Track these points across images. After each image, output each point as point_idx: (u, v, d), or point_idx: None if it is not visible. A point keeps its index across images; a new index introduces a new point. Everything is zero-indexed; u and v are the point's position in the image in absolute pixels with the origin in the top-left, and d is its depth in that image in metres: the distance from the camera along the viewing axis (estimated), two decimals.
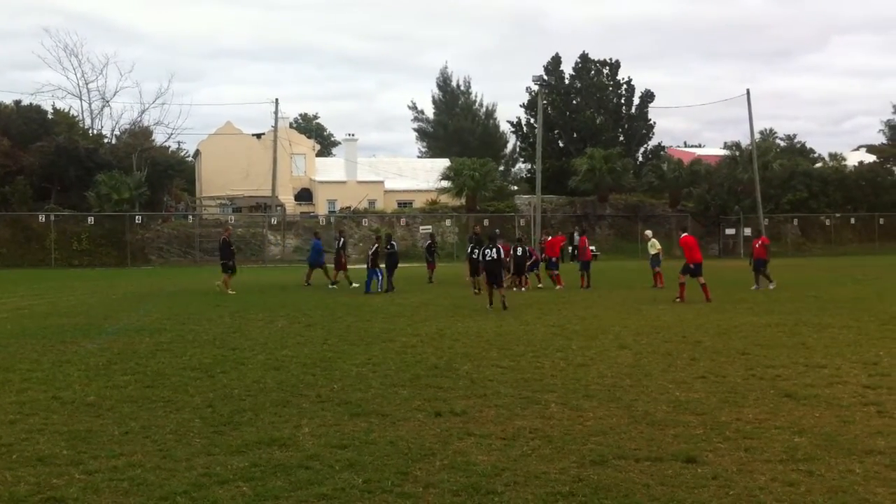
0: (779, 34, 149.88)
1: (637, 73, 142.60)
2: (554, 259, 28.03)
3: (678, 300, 21.75)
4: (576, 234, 52.30)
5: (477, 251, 24.80)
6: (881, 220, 60.39)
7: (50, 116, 63.33)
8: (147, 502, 6.46)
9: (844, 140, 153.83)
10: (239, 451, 7.80)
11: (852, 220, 60.58)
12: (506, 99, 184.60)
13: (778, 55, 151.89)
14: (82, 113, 68.26)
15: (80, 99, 67.88)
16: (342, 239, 29.99)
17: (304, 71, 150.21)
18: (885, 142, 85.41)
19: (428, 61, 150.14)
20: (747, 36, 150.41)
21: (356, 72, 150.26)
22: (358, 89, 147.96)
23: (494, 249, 21.22)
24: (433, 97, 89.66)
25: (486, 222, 55.54)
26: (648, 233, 28.24)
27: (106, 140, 63.53)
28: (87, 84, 67.73)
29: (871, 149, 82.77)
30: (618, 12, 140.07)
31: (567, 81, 68.86)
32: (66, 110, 67.36)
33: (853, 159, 70.88)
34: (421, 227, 55.14)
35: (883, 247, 58.49)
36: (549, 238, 30.06)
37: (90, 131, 65.63)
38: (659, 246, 27.28)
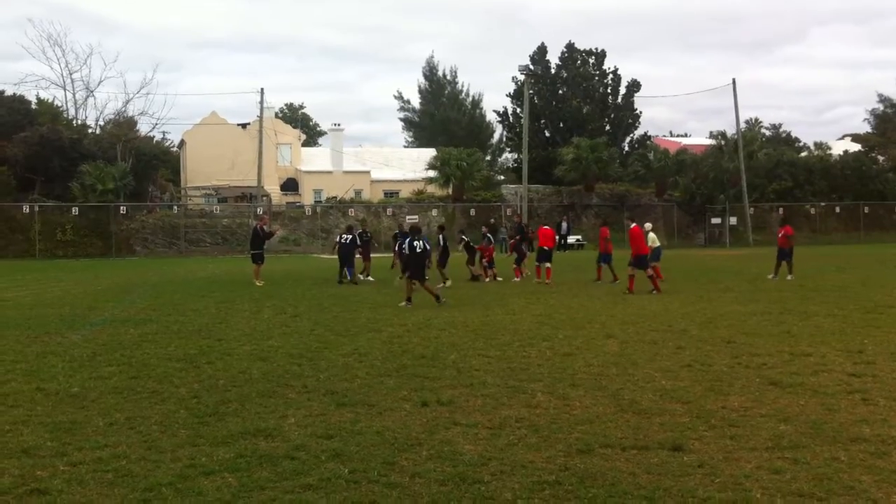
0: (759, 25, 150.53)
1: (618, 64, 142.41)
2: (547, 248, 27.46)
3: (655, 292, 21.63)
4: (563, 224, 52.43)
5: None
6: (866, 209, 60.62)
7: (33, 107, 62.86)
8: (132, 493, 6.42)
9: (829, 129, 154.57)
10: (224, 441, 7.78)
11: (837, 209, 60.82)
12: (491, 89, 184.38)
13: (759, 46, 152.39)
14: (66, 103, 67.91)
15: (64, 89, 67.53)
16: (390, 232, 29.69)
17: (285, 62, 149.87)
18: (869, 131, 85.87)
19: (410, 53, 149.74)
20: (728, 27, 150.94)
21: (338, 63, 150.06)
22: (340, 80, 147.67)
23: (421, 241, 20.19)
24: (419, 87, 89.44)
25: (472, 212, 55.61)
26: (648, 225, 26.23)
27: (90, 130, 63.06)
28: (70, 74, 67.39)
29: (856, 138, 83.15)
30: (597, 5, 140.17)
31: (553, 71, 68.80)
32: (49, 100, 66.97)
33: (838, 148, 71.15)
34: (408, 218, 55.06)
35: (867, 235, 58.82)
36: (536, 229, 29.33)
37: (74, 121, 65.19)
38: (658, 241, 25.89)
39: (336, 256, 27.33)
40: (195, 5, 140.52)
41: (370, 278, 27.36)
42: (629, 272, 22.37)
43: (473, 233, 37.67)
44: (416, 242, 20.05)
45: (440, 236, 26.25)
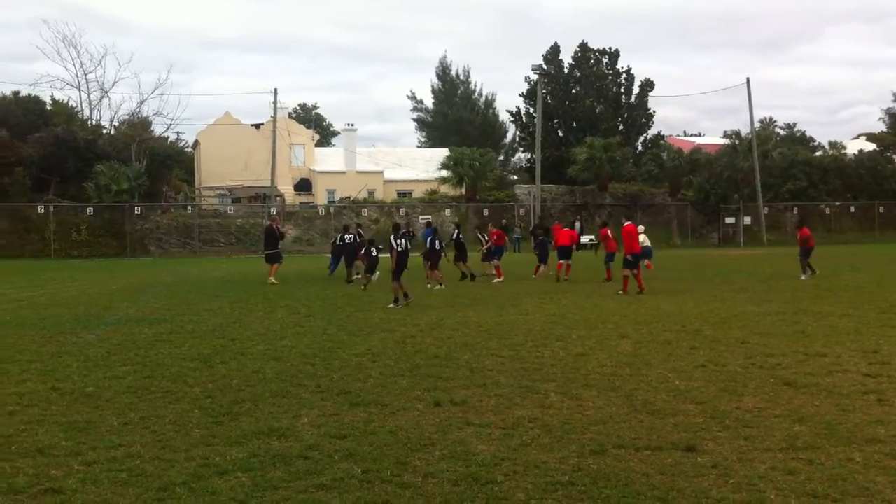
0: (770, 25, 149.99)
1: (629, 63, 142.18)
2: (567, 246, 27.53)
3: (622, 293, 21.49)
4: (576, 224, 52.29)
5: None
6: (881, 209, 60.24)
7: (49, 107, 63.26)
8: (146, 493, 6.45)
9: (844, 129, 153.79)
10: (238, 441, 7.80)
11: (852, 209, 60.45)
12: (504, 89, 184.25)
13: (771, 46, 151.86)
14: (81, 104, 68.28)
15: (79, 90, 67.85)
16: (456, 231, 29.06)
17: (296, 62, 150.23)
18: (885, 130, 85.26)
19: (421, 53, 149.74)
20: (739, 27, 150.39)
21: (349, 63, 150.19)
22: (352, 80, 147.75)
23: (404, 240, 20.14)
24: (432, 87, 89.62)
25: (485, 212, 55.55)
26: (641, 228, 27.39)
27: (105, 131, 63.38)
28: (85, 75, 67.67)
29: (870, 137, 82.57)
30: (607, 3, 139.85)
31: (566, 71, 68.66)
32: (64, 101, 67.41)
33: (853, 147, 70.70)
34: (420, 217, 55.08)
35: (883, 235, 58.43)
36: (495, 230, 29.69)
37: (89, 122, 65.52)
38: (648, 241, 27.66)
39: (329, 255, 27.54)
40: (206, 5, 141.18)
41: (358, 276, 27.48)
42: (634, 273, 22.28)
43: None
44: (398, 241, 19.87)
45: (431, 239, 26.18)
